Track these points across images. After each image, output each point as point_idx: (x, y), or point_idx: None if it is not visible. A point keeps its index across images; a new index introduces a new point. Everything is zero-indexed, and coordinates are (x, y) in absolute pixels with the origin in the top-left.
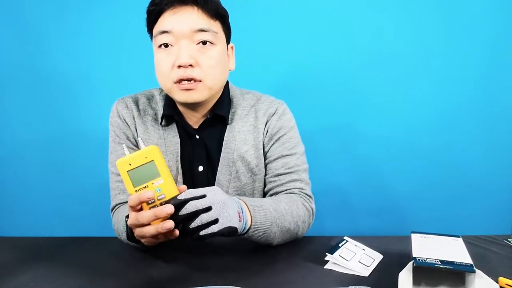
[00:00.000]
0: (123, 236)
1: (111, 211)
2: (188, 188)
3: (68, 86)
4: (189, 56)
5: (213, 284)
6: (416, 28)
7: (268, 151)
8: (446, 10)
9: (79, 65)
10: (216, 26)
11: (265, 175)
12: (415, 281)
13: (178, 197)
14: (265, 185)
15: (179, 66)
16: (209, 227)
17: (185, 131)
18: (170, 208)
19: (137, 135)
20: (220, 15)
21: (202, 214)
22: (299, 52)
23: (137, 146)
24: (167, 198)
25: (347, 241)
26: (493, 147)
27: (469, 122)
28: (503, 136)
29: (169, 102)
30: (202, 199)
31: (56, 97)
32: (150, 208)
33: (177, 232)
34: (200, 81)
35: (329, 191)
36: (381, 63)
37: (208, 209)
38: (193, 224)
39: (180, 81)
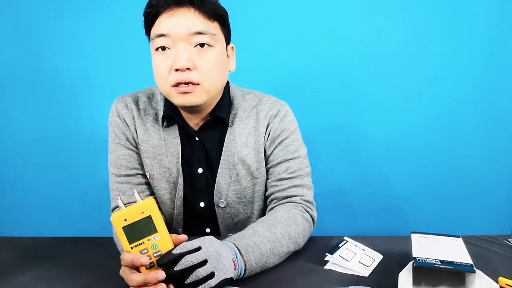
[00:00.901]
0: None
1: (111, 212)
2: (188, 189)
3: (68, 86)
4: (187, 59)
5: None
6: (416, 28)
7: (270, 154)
8: (446, 10)
9: (79, 65)
10: (214, 27)
11: (267, 179)
12: (415, 281)
13: (173, 252)
14: (266, 189)
15: (177, 70)
16: (206, 282)
17: (185, 132)
18: (161, 275)
19: (137, 136)
20: (219, 16)
21: (198, 269)
22: (300, 52)
23: (136, 147)
24: (163, 253)
25: (347, 241)
26: (493, 147)
27: (469, 122)
28: (503, 136)
29: (169, 103)
30: (197, 252)
31: (56, 97)
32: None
33: (171, 287)
34: (198, 84)
35: (329, 191)
36: (380, 64)
37: (204, 262)
38: (189, 280)
39: (177, 84)
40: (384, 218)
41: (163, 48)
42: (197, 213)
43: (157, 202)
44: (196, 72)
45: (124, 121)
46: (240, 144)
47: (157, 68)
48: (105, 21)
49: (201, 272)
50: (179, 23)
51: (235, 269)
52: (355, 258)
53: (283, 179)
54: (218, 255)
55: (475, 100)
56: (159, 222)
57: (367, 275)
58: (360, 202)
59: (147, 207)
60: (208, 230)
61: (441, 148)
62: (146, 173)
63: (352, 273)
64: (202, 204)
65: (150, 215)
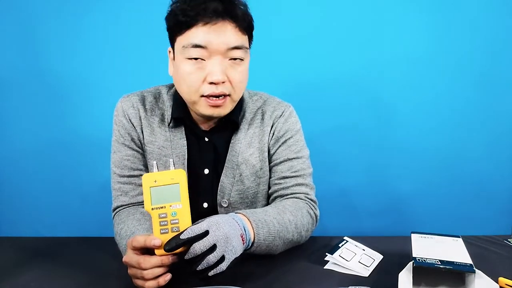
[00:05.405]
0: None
1: (113, 212)
2: (192, 189)
3: (67, 87)
4: (222, 74)
5: (213, 284)
6: (420, 31)
7: (274, 153)
8: (450, 12)
9: (79, 66)
10: (246, 41)
11: (270, 177)
12: (415, 281)
13: (180, 237)
14: (269, 188)
15: (211, 83)
16: (217, 267)
17: (194, 133)
18: (175, 259)
19: (143, 137)
20: (251, 30)
21: (209, 256)
22: (306, 53)
23: (141, 147)
24: (180, 225)
25: (347, 241)
26: (493, 147)
27: (469, 122)
28: (503, 136)
29: (178, 103)
30: (205, 238)
31: (56, 97)
32: (160, 228)
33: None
34: (229, 95)
35: (330, 192)
36: (385, 65)
37: (213, 247)
38: (200, 267)
39: (209, 96)
40: (384, 218)
41: (196, 58)
42: (200, 213)
43: None
44: (228, 84)
45: (130, 121)
46: (245, 145)
47: (189, 77)
48: (104, 23)
49: (211, 258)
50: (220, 37)
51: (243, 243)
52: (355, 258)
53: (287, 177)
54: (227, 237)
55: (475, 101)
56: (184, 193)
57: (367, 275)
58: (360, 202)
59: (178, 175)
60: None
61: (441, 148)
62: None
63: (352, 273)
64: (205, 205)
65: (178, 183)
